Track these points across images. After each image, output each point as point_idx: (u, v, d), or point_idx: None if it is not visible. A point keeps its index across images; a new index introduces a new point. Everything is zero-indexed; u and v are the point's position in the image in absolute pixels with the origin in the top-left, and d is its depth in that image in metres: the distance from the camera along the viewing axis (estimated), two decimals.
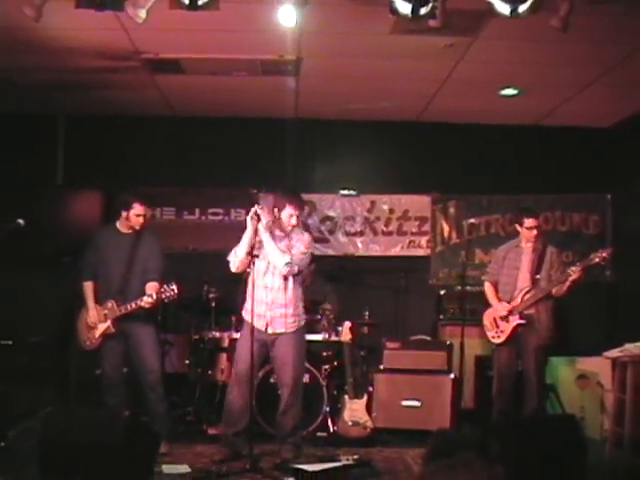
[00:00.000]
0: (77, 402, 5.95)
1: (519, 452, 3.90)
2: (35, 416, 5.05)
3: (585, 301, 7.13)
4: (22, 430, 4.79)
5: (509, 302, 5.40)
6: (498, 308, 5.44)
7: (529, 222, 5.41)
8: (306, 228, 7.12)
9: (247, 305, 4.97)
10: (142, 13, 4.11)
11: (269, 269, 4.96)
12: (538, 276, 5.38)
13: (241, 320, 5.71)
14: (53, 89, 6.39)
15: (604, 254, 5.29)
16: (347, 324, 5.81)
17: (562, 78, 5.92)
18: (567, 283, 5.25)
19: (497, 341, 5.48)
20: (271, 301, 4.95)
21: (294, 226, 4.99)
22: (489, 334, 5.53)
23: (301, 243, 5.00)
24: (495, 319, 5.46)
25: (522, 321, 5.33)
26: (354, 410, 5.59)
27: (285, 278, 4.95)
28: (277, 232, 5.01)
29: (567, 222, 7.29)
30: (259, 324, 4.94)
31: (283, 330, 4.97)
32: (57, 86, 6.30)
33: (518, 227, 5.53)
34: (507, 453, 3.81)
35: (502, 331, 5.41)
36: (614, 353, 5.25)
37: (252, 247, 4.82)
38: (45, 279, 6.57)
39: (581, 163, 7.24)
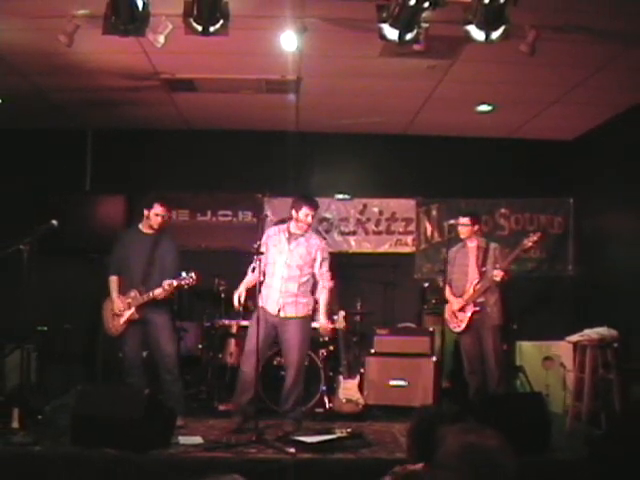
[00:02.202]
0: (103, 381, 6.00)
1: (493, 425, 3.94)
2: (67, 393, 5.09)
3: (550, 292, 7.23)
4: (56, 405, 4.81)
5: (462, 295, 5.52)
6: (454, 303, 5.55)
7: (462, 220, 5.62)
8: None
9: (263, 292, 5.00)
10: (161, 38, 4.15)
11: (286, 262, 5.03)
12: (484, 269, 5.49)
13: (247, 309, 5.77)
14: (82, 106, 6.40)
15: (535, 237, 5.43)
16: (342, 313, 5.80)
17: (530, 96, 5.95)
18: (497, 280, 5.37)
19: (458, 330, 5.57)
20: (285, 289, 5.00)
21: (310, 224, 5.08)
22: (450, 325, 5.60)
23: (320, 252, 5.09)
24: (453, 312, 5.56)
25: (477, 308, 5.44)
26: (347, 389, 5.59)
27: (300, 270, 5.03)
28: (296, 231, 5.10)
29: (535, 223, 7.31)
30: (273, 308, 4.99)
31: (294, 314, 5.00)
32: (86, 103, 6.31)
33: (457, 227, 5.71)
34: (483, 425, 3.85)
35: (461, 320, 5.51)
36: (575, 338, 5.30)
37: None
38: (76, 273, 6.58)
39: (547, 171, 7.26)
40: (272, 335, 5.05)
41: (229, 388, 5.86)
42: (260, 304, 4.95)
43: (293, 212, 5.08)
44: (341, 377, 5.64)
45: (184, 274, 4.99)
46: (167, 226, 5.39)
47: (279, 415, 5.09)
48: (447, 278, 5.67)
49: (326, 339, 6.05)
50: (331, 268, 6.66)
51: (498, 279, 5.35)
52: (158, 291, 5.01)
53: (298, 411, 5.09)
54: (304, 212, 5.02)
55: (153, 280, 5.12)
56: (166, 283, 5.01)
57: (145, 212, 5.26)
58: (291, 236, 5.10)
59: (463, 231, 5.60)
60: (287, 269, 5.03)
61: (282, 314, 5.00)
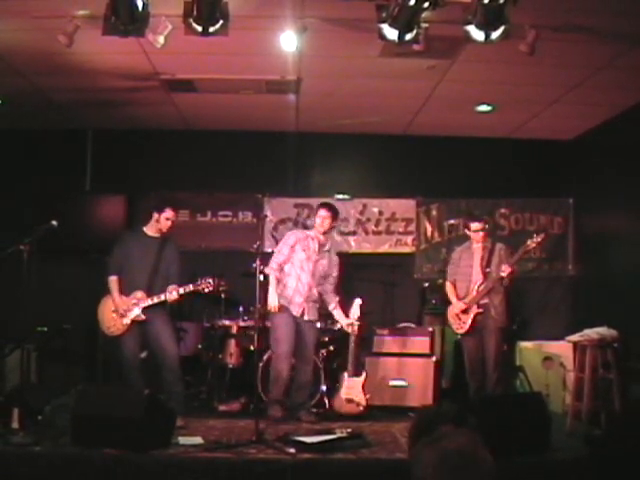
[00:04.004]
0: (103, 381, 6.00)
1: (494, 424, 3.94)
2: (67, 393, 5.08)
3: (550, 292, 7.24)
4: (56, 405, 4.80)
5: (466, 296, 5.50)
6: (457, 305, 5.53)
7: (475, 226, 5.57)
8: (305, 229, 7.20)
9: (286, 293, 5.32)
10: (160, 39, 4.15)
11: (311, 269, 5.37)
12: (488, 269, 5.47)
13: (248, 310, 5.84)
14: (82, 106, 6.41)
15: (539, 239, 5.44)
16: (358, 301, 5.48)
17: (530, 96, 5.95)
18: (504, 280, 5.37)
19: (461, 331, 5.56)
20: (308, 295, 5.36)
21: (325, 228, 5.42)
22: (454, 327, 5.60)
23: (337, 268, 5.55)
24: (456, 314, 5.54)
25: (480, 310, 5.42)
26: (351, 388, 5.47)
27: (320, 279, 5.45)
28: (324, 243, 5.46)
29: (535, 222, 7.31)
30: (296, 311, 5.33)
31: (314, 318, 5.42)
32: (86, 103, 6.32)
33: (467, 231, 5.70)
34: (483, 425, 3.85)
35: (464, 322, 5.49)
36: (575, 338, 5.29)
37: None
38: (76, 273, 6.60)
39: (547, 171, 7.27)
40: (296, 328, 5.37)
41: (229, 388, 5.87)
42: (282, 303, 5.28)
43: (317, 217, 5.45)
44: (346, 374, 5.50)
45: (201, 280, 5.11)
46: (172, 230, 5.41)
47: (290, 409, 5.29)
48: (451, 278, 5.66)
49: (326, 339, 6.05)
50: None
51: (505, 274, 5.31)
52: (172, 296, 5.09)
53: (309, 404, 5.39)
54: (319, 214, 5.42)
55: (157, 285, 5.16)
56: (180, 289, 5.07)
57: (155, 215, 5.26)
58: (321, 247, 5.43)
59: (477, 237, 5.56)
60: (311, 277, 5.38)
61: (305, 317, 5.35)
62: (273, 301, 5.26)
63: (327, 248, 5.51)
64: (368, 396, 5.56)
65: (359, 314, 5.47)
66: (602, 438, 4.28)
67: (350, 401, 5.49)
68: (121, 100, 6.23)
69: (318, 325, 5.83)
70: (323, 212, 5.41)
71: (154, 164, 7.18)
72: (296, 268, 5.35)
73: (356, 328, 5.45)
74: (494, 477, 1.66)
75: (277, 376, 5.26)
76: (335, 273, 5.53)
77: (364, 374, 5.58)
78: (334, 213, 5.46)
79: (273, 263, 5.38)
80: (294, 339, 5.30)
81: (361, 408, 5.47)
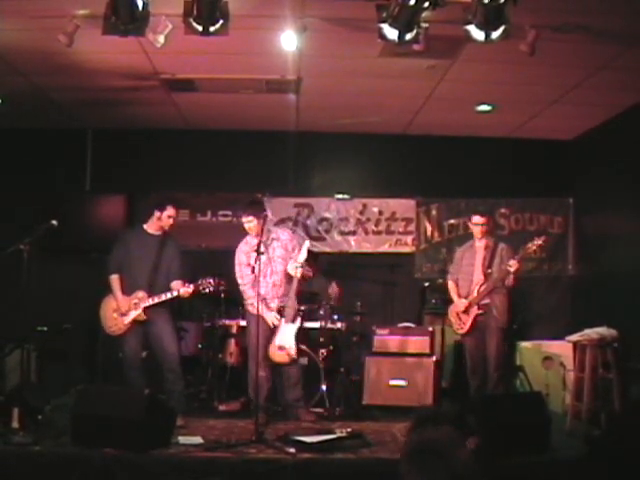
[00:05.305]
0: (103, 381, 6.00)
1: (494, 424, 3.95)
2: (67, 393, 5.09)
3: (550, 292, 7.25)
4: (56, 405, 4.81)
5: (468, 296, 5.48)
6: (459, 303, 5.52)
7: (475, 219, 5.56)
8: (305, 229, 7.22)
9: (254, 301, 5.11)
10: (160, 38, 4.15)
11: (272, 270, 5.23)
12: (490, 270, 5.45)
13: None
14: (82, 106, 6.41)
15: (539, 241, 5.40)
16: (306, 243, 5.26)
17: (530, 96, 5.95)
18: (511, 275, 5.33)
19: (462, 331, 5.55)
20: (282, 294, 5.27)
21: (257, 232, 5.13)
22: (454, 326, 5.59)
23: (292, 243, 5.30)
24: (457, 313, 5.53)
25: (480, 311, 5.40)
26: (284, 334, 5.24)
27: (276, 274, 5.25)
28: (268, 238, 5.24)
29: (535, 222, 7.33)
30: (271, 318, 5.23)
31: (291, 317, 5.25)
32: (86, 103, 6.32)
33: (469, 223, 5.69)
34: (483, 425, 3.86)
35: (464, 322, 5.48)
36: (575, 337, 5.29)
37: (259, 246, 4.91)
38: (76, 273, 6.58)
39: (547, 171, 7.28)
40: (270, 337, 5.24)
41: (229, 388, 5.88)
42: (252, 311, 5.14)
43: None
44: (284, 320, 5.28)
45: (202, 280, 5.08)
46: (174, 228, 5.41)
47: (286, 411, 5.31)
48: (453, 277, 5.66)
49: (321, 340, 6.02)
50: (331, 268, 6.70)
51: (513, 269, 5.24)
52: (187, 289, 5.07)
53: (303, 402, 5.33)
54: (243, 222, 5.22)
55: (158, 283, 5.17)
56: (182, 289, 5.06)
57: (157, 213, 5.26)
58: (266, 245, 5.20)
59: (476, 231, 5.53)
60: (276, 275, 5.26)
61: (283, 319, 5.25)
62: (270, 317, 5.20)
63: (271, 239, 5.26)
64: (366, 393, 5.57)
65: (305, 257, 5.15)
66: (602, 438, 4.28)
67: (281, 348, 5.24)
68: (121, 100, 6.22)
69: (315, 324, 5.83)
70: (243, 219, 5.21)
71: (154, 164, 7.18)
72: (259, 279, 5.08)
73: (299, 272, 5.13)
74: (468, 476, 1.67)
75: (253, 380, 5.12)
76: (294, 250, 5.23)
77: (299, 321, 5.30)
78: (255, 213, 5.16)
79: (248, 291, 5.23)
80: (267, 341, 5.20)
81: (290, 358, 5.24)
